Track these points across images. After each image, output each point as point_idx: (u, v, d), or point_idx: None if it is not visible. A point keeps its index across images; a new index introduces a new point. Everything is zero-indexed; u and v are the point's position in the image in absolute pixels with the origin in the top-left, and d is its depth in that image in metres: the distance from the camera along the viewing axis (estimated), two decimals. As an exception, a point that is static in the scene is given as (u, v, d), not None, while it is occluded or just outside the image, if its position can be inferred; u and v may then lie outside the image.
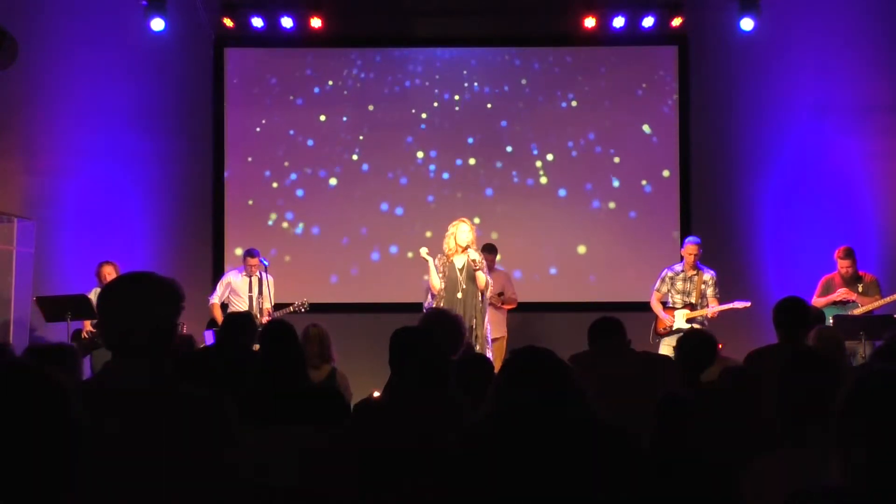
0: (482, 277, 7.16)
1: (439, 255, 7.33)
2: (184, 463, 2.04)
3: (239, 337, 4.80)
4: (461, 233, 7.22)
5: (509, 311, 8.54)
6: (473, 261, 7.13)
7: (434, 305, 7.15)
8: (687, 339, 4.91)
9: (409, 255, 9.05)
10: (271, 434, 3.30)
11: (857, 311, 7.79)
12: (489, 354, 7.15)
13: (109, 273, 8.21)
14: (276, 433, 3.32)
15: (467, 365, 3.99)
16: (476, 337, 7.12)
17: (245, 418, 3.23)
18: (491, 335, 7.42)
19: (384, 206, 9.37)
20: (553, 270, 9.33)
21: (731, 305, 7.83)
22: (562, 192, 9.36)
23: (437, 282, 7.19)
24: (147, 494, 2.03)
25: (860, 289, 7.92)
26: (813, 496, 1.69)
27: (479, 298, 7.21)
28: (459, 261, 7.22)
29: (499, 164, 9.38)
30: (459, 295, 7.14)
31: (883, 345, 5.50)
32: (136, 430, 2.05)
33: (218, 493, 2.07)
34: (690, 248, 7.95)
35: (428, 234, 9.21)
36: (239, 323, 4.91)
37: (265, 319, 8.00)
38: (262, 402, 3.50)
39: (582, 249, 9.34)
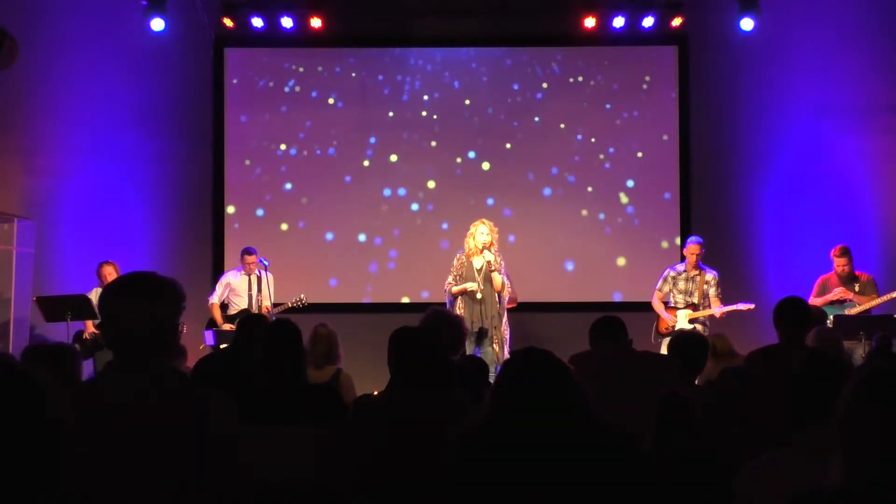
0: (498, 279, 7.15)
1: (458, 255, 7.34)
2: (185, 463, 2.04)
3: (255, 338, 4.79)
4: (479, 234, 7.23)
5: (510, 309, 8.52)
6: (489, 262, 7.13)
7: (455, 307, 7.12)
8: (679, 342, 4.93)
9: (413, 253, 9.07)
10: (269, 433, 3.31)
11: (853, 311, 7.80)
12: (507, 356, 7.13)
13: (110, 273, 8.22)
14: (274, 432, 3.32)
15: (465, 366, 4.00)
16: (495, 339, 7.11)
17: (243, 417, 3.25)
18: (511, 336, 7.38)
19: (385, 206, 9.37)
20: (553, 270, 9.33)
21: (734, 307, 7.82)
22: (561, 192, 9.36)
23: (466, 284, 7.18)
24: (149, 495, 2.03)
25: (857, 288, 7.93)
26: (816, 498, 1.69)
27: (498, 299, 7.21)
28: (478, 262, 7.23)
29: (499, 164, 9.38)
30: (479, 296, 7.15)
31: (875, 346, 5.51)
32: (137, 431, 2.05)
33: (219, 492, 2.07)
34: (692, 247, 7.95)
35: (429, 222, 9.25)
36: (255, 324, 4.90)
37: None
38: (260, 400, 3.50)
39: (581, 249, 9.34)
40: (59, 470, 1.48)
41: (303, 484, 3.24)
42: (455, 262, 7.31)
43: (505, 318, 7.29)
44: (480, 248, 7.19)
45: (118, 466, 2.02)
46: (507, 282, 7.28)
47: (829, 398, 2.47)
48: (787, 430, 2.57)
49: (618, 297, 9.20)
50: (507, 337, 7.26)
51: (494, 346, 7.10)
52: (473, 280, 7.20)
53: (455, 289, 7.21)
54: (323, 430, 3.32)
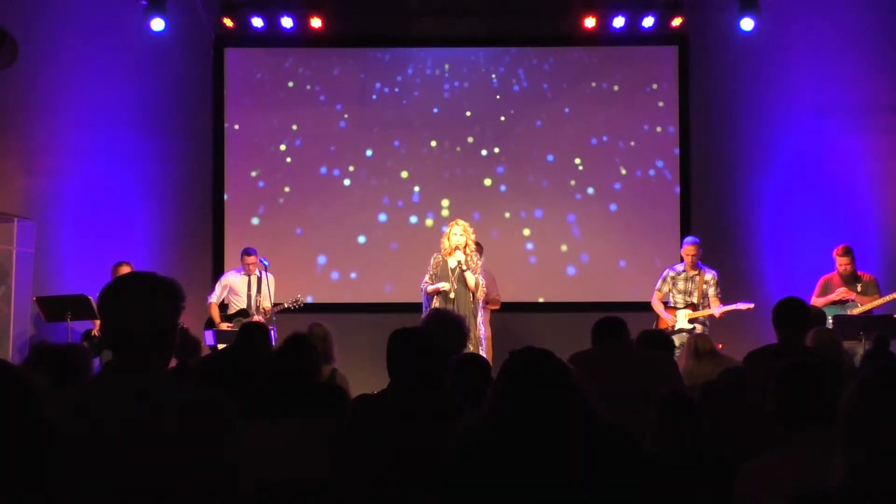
0: (470, 278, 7.19)
1: (435, 255, 7.39)
2: (183, 463, 2.04)
3: (254, 344, 4.93)
4: (453, 234, 7.30)
5: (495, 311, 8.49)
6: (459, 262, 7.19)
7: (430, 306, 7.18)
8: (646, 340, 4.94)
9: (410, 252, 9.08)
10: (275, 427, 3.35)
11: (855, 311, 7.80)
12: (483, 355, 7.17)
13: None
14: (282, 426, 3.37)
15: (464, 364, 4.00)
16: (469, 339, 7.13)
17: (251, 412, 3.31)
18: (486, 336, 7.43)
19: (385, 206, 9.37)
20: (553, 270, 9.32)
21: (734, 307, 7.82)
22: (561, 192, 9.36)
23: (438, 284, 7.24)
24: (147, 494, 2.03)
25: (859, 288, 7.93)
26: (816, 498, 1.69)
27: (471, 299, 7.24)
28: (452, 262, 7.28)
29: (499, 164, 9.39)
30: (452, 295, 7.19)
31: (872, 346, 5.51)
32: (135, 430, 2.05)
33: (217, 492, 2.07)
34: (689, 248, 7.96)
35: (428, 222, 9.26)
36: (254, 332, 5.04)
37: (258, 318, 8.04)
38: (269, 396, 3.57)
39: (582, 249, 9.34)
40: (49, 470, 1.48)
41: (302, 483, 3.24)
42: (432, 261, 7.38)
43: (480, 318, 7.30)
44: (454, 248, 7.24)
45: (117, 467, 2.02)
46: (482, 281, 7.30)
47: (819, 399, 2.48)
48: (787, 430, 2.57)
49: (617, 297, 9.18)
50: (482, 336, 7.28)
51: (468, 346, 7.13)
52: (448, 280, 7.24)
53: (430, 288, 7.29)
54: (327, 425, 3.34)
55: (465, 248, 7.26)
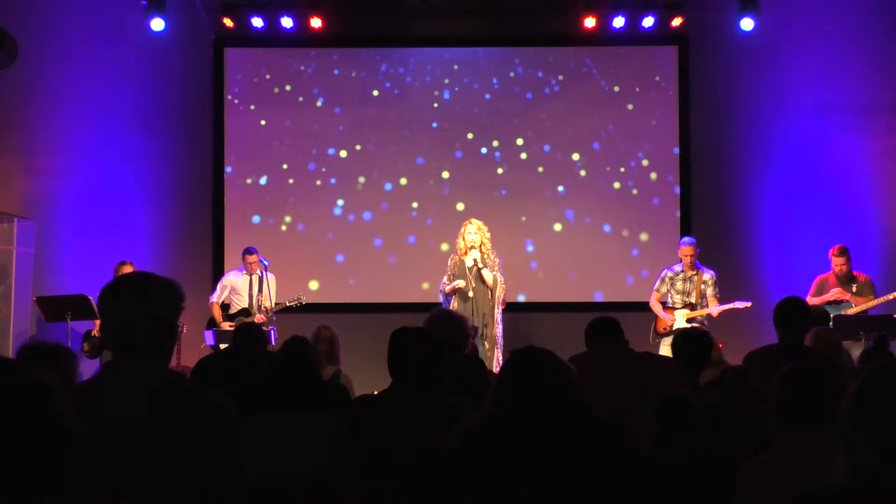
0: (487, 275, 7.21)
1: (452, 256, 7.41)
2: (183, 462, 2.04)
3: (252, 344, 4.97)
4: (467, 234, 7.31)
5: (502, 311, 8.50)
6: (475, 260, 7.19)
7: (450, 306, 7.19)
8: (681, 339, 4.90)
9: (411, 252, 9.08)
10: (283, 423, 3.37)
11: (850, 311, 7.80)
12: (499, 355, 7.17)
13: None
14: (288, 422, 3.39)
15: (464, 364, 4.01)
16: (486, 337, 7.14)
17: (259, 409, 3.33)
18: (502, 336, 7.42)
19: (385, 206, 9.37)
20: (552, 270, 9.32)
21: (731, 305, 7.83)
22: (561, 192, 9.36)
23: (455, 282, 7.24)
24: (147, 494, 2.03)
25: (854, 289, 7.92)
26: (820, 496, 1.69)
27: (490, 297, 7.24)
28: (469, 261, 7.29)
29: (498, 164, 9.39)
30: (471, 294, 7.20)
31: (871, 346, 5.51)
32: (135, 430, 2.05)
33: (218, 491, 2.07)
34: (686, 249, 7.96)
35: (428, 222, 9.26)
36: (252, 333, 5.08)
37: (259, 317, 8.05)
38: (276, 395, 3.60)
39: (582, 249, 9.33)
40: (62, 471, 1.48)
41: (301, 482, 3.24)
42: (449, 261, 7.41)
43: (497, 317, 7.30)
44: (469, 247, 7.25)
45: (117, 467, 2.02)
46: (501, 278, 7.31)
47: (820, 400, 2.49)
48: (787, 430, 2.58)
49: (617, 297, 9.19)
50: (499, 335, 7.28)
51: (485, 343, 7.13)
52: (465, 279, 7.25)
53: (447, 288, 7.30)
54: (327, 422, 3.34)
55: (480, 246, 7.27)
